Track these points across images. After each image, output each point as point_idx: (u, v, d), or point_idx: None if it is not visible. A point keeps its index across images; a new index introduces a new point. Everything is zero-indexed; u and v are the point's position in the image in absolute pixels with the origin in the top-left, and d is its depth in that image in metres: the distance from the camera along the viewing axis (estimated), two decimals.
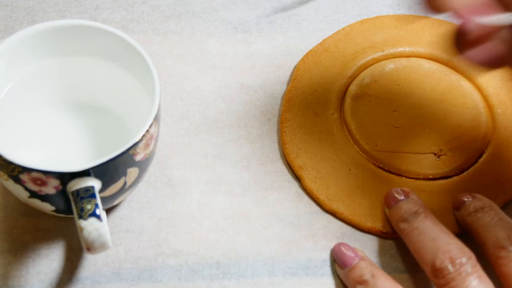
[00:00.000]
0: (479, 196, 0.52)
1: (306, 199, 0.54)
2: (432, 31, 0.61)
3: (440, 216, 0.53)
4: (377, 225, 0.53)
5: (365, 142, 0.56)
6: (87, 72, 0.53)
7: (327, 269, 0.51)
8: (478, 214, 0.50)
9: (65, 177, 0.45)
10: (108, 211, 0.52)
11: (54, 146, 0.53)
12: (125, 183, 0.48)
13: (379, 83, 0.58)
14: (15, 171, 0.45)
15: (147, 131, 0.47)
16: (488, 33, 0.46)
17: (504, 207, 0.54)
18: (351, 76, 0.58)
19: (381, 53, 0.59)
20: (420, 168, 0.55)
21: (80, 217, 0.45)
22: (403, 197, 0.52)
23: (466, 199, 0.52)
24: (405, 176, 0.55)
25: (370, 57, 0.59)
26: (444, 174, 0.55)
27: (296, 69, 0.59)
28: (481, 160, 0.56)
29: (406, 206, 0.51)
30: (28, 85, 0.52)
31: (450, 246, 0.47)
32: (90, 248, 0.45)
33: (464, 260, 0.47)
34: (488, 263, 0.50)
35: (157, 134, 0.49)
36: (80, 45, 0.52)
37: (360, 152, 0.56)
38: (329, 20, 0.62)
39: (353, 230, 0.53)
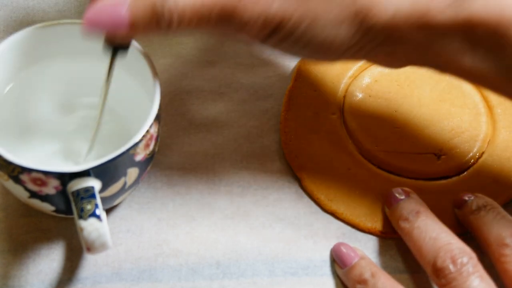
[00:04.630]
0: (480, 195, 0.52)
1: (306, 199, 0.54)
2: None
3: (440, 216, 0.53)
4: (377, 225, 0.53)
5: (365, 142, 0.56)
6: (87, 72, 0.53)
7: (327, 269, 0.51)
8: (480, 212, 0.50)
9: (65, 177, 0.45)
10: (108, 211, 0.52)
11: (54, 146, 0.53)
12: (125, 183, 0.48)
13: (379, 83, 0.58)
14: (15, 172, 0.45)
15: (147, 131, 0.47)
16: None
17: (504, 207, 0.54)
18: (351, 76, 0.58)
19: None
20: (420, 168, 0.55)
21: (80, 217, 0.45)
22: (403, 197, 0.52)
23: (467, 198, 0.52)
24: (405, 176, 0.55)
25: None
26: (444, 174, 0.55)
27: (296, 69, 0.59)
28: (481, 160, 0.56)
29: (407, 205, 0.51)
30: (28, 85, 0.52)
31: (451, 246, 0.47)
32: (90, 248, 0.45)
33: (465, 259, 0.47)
34: (490, 261, 0.50)
35: (157, 134, 0.49)
36: (80, 45, 0.52)
37: (360, 152, 0.56)
38: None
39: (353, 230, 0.53)
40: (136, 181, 0.50)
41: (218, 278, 0.51)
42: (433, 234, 0.48)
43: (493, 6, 0.43)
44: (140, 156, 0.47)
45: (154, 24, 0.44)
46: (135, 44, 0.50)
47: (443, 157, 0.55)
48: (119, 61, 0.52)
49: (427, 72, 0.59)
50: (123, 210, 0.53)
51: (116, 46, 0.47)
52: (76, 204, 0.45)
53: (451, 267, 0.46)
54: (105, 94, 0.48)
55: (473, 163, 0.55)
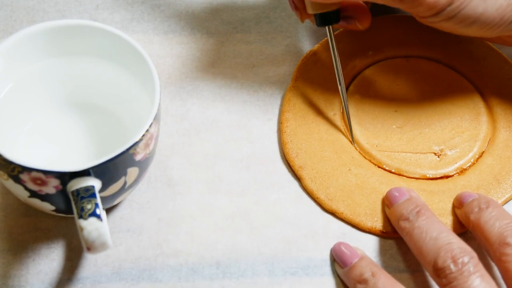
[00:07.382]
0: (481, 194, 0.52)
1: (306, 199, 0.54)
2: (431, 31, 0.61)
3: (440, 216, 0.53)
4: (377, 225, 0.53)
5: (365, 142, 0.56)
6: (87, 72, 0.53)
7: (327, 268, 0.51)
8: (481, 211, 0.50)
9: (65, 177, 0.45)
10: (108, 211, 0.52)
11: (54, 146, 0.53)
12: (125, 183, 0.48)
13: (379, 83, 0.58)
14: (15, 171, 0.45)
15: (147, 131, 0.47)
16: None
17: (504, 206, 0.54)
18: (351, 76, 0.58)
19: (381, 53, 0.59)
20: (420, 168, 0.55)
21: (80, 216, 0.45)
22: (403, 196, 0.52)
23: (468, 197, 0.52)
24: (405, 176, 0.55)
25: (370, 57, 0.59)
26: (444, 174, 0.55)
27: (296, 69, 0.59)
28: (481, 159, 0.56)
29: (407, 205, 0.51)
30: (28, 85, 0.52)
31: (452, 245, 0.47)
32: (90, 248, 0.45)
33: (466, 259, 0.47)
34: (491, 260, 0.50)
35: (157, 134, 0.49)
36: (80, 45, 0.52)
37: (360, 152, 0.56)
38: None
39: (353, 230, 0.53)
40: (136, 181, 0.50)
41: (218, 278, 0.51)
42: (433, 234, 0.48)
43: None
44: (140, 155, 0.47)
45: None
46: (135, 44, 0.50)
47: (443, 157, 0.55)
48: (119, 61, 0.52)
49: (427, 72, 0.59)
50: (123, 209, 0.53)
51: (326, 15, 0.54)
52: (76, 204, 0.45)
53: (452, 266, 0.46)
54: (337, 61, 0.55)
55: (473, 163, 0.55)
